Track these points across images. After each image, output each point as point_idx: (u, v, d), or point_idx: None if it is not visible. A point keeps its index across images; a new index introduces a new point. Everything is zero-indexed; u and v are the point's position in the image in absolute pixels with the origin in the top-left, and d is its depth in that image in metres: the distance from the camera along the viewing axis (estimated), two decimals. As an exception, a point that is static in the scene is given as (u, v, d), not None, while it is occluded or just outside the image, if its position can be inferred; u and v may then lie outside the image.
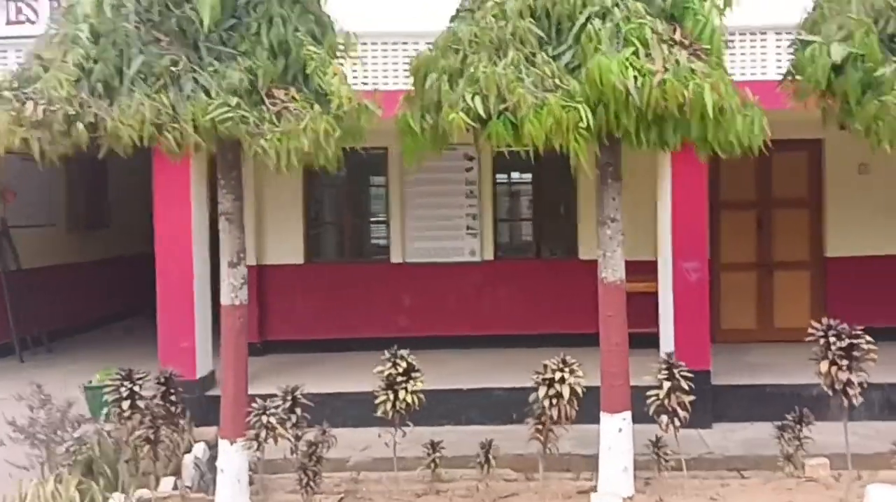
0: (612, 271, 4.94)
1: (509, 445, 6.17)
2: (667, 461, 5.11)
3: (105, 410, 5.93)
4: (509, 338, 9.31)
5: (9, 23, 7.52)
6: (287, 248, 9.40)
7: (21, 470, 5.28)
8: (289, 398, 4.64)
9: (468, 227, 9.53)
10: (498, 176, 9.60)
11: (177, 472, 5.71)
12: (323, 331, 9.55)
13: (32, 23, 7.57)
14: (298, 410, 4.65)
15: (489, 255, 9.51)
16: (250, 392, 7.45)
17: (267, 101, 4.42)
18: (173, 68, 4.22)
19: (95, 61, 4.18)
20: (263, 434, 4.47)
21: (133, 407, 4.52)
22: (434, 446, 5.03)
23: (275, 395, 4.90)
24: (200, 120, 4.16)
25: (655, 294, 7.99)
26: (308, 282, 9.48)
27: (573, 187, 9.38)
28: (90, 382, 6.79)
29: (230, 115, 4.18)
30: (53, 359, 9.57)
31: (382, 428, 6.68)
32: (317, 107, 4.46)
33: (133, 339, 10.63)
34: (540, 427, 5.10)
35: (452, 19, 4.82)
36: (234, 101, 4.22)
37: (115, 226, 12.13)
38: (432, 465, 5.01)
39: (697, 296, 7.40)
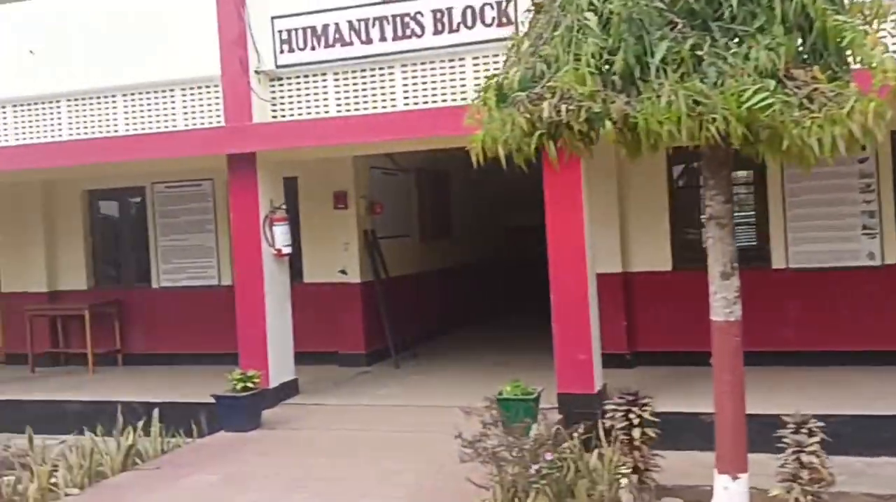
0: None
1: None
2: None
3: (531, 429, 5.60)
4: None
5: (395, 38, 7.59)
6: (654, 254, 8.71)
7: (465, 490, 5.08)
8: (804, 429, 3.86)
9: (864, 227, 8.18)
10: (902, 166, 8.15)
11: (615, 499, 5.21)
12: (693, 342, 8.66)
13: (419, 36, 7.60)
14: (817, 441, 3.85)
15: (893, 259, 8.08)
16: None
17: (789, 83, 3.69)
18: (698, 52, 3.64)
19: (610, 52, 3.71)
20: (805, 475, 3.72)
21: (643, 435, 4.02)
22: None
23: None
24: (734, 109, 3.53)
25: None
26: (676, 290, 8.69)
27: None
28: (500, 394, 6.54)
29: (771, 100, 3.50)
30: (421, 365, 9.69)
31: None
32: (853, 85, 3.66)
33: (483, 348, 10.62)
34: None
35: None
36: (771, 84, 3.54)
37: (455, 235, 12.30)
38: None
39: None
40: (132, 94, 8.36)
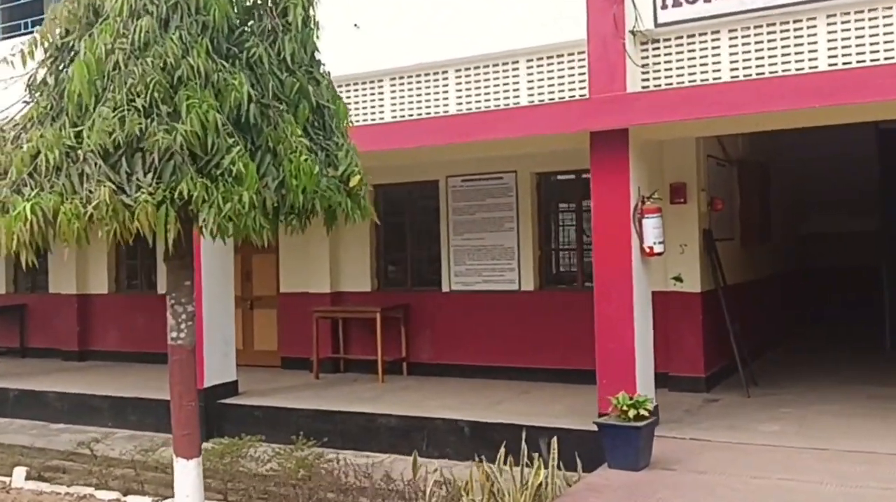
0: None
1: None
2: None
3: None
4: None
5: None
6: None
7: None
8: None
9: None
10: None
11: None
12: None
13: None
14: None
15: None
16: None
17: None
18: None
19: None
20: None
21: None
22: None
23: None
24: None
25: None
26: None
27: None
28: None
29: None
30: (773, 393, 7.77)
31: None
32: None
33: (833, 371, 8.60)
34: None
35: None
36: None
37: (773, 240, 10.37)
38: None
39: None
40: (466, 69, 7.13)
